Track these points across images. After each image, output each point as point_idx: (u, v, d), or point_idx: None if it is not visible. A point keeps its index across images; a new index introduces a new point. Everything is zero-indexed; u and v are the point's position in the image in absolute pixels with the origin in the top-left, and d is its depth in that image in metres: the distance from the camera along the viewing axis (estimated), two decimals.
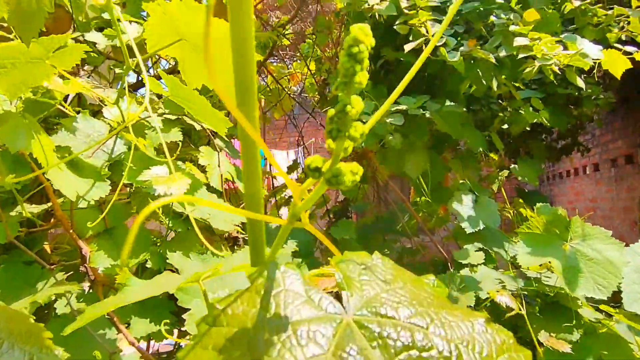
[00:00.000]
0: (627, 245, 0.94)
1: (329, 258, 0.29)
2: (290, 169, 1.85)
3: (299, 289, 0.23)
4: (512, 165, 2.09)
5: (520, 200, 1.69)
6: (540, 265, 1.33)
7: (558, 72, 1.02)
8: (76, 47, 0.60)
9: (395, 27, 1.20)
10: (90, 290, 0.76)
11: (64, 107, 0.76)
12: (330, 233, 1.29)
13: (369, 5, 1.25)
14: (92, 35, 1.05)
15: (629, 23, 1.28)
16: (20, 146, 0.56)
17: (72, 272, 0.78)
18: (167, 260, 0.70)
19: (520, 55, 1.01)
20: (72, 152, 0.67)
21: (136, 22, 1.12)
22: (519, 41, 1.02)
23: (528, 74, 1.01)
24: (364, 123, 0.80)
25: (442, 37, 1.15)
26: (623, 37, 1.43)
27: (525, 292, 1.06)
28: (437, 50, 1.14)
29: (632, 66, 1.32)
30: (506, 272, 1.21)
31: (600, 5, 1.31)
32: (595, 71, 1.70)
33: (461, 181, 1.44)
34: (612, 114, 4.19)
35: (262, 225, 0.27)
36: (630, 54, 1.32)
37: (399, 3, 1.24)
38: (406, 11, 1.19)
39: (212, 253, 0.74)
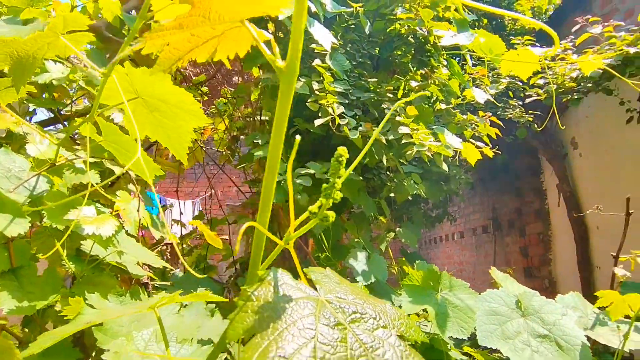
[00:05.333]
0: None
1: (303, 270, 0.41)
2: (197, 218, 1.86)
3: (292, 282, 0.35)
4: (398, 229, 2.40)
5: (404, 259, 1.94)
6: (419, 315, 1.55)
7: (430, 156, 1.32)
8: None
9: (307, 104, 1.41)
10: None
11: None
12: (237, 284, 1.33)
13: None
14: None
15: (477, 126, 1.71)
16: None
17: None
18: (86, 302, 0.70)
19: (403, 141, 1.29)
20: None
21: (60, 62, 1.12)
22: (402, 129, 1.30)
23: (409, 156, 1.29)
24: (279, 183, 0.96)
25: (345, 117, 1.38)
26: (477, 135, 1.88)
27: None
28: (340, 127, 1.36)
29: (481, 157, 1.74)
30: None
31: (458, 110, 1.72)
32: (457, 157, 2.13)
33: (356, 240, 1.64)
34: (472, 190, 5.07)
35: (263, 242, 0.37)
36: (481, 148, 1.75)
37: (311, 84, 1.47)
38: (317, 92, 1.41)
39: (130, 296, 0.75)
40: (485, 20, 3.67)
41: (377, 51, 1.95)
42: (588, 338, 0.92)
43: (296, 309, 0.31)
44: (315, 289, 0.35)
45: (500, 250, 4.51)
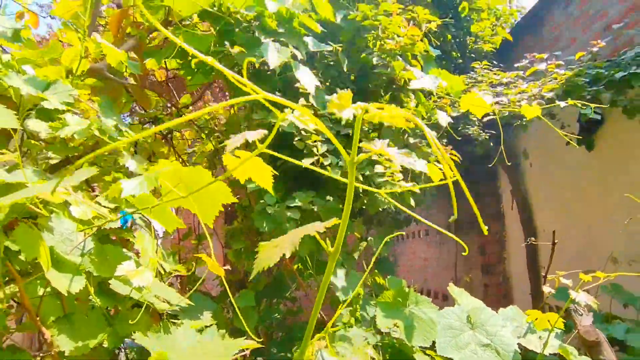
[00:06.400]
0: (445, 297, 1.44)
1: None
2: (186, 235, 2.02)
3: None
4: (370, 238, 2.63)
5: (376, 271, 2.18)
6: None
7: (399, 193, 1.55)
8: (85, 171, 0.79)
9: (294, 142, 1.60)
10: None
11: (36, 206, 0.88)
12: (234, 302, 1.51)
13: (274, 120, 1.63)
14: (35, 124, 1.16)
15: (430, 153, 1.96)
16: (34, 254, 0.71)
17: None
18: (125, 338, 0.87)
19: (378, 180, 1.51)
20: (55, 250, 0.81)
21: (76, 114, 1.26)
22: (377, 168, 1.52)
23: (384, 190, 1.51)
24: (269, 214, 1.19)
25: (327, 156, 1.59)
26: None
27: (381, 344, 1.47)
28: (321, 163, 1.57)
29: (443, 177, 2.00)
30: (368, 330, 1.62)
31: (425, 141, 1.97)
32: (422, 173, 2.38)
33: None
34: (437, 193, 5.42)
35: (324, 293, 0.56)
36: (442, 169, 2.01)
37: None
38: (303, 133, 1.60)
39: (163, 330, 0.93)
40: (450, 37, 3.96)
41: (352, 78, 2.15)
42: (520, 345, 1.18)
43: None
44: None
45: (460, 247, 4.89)
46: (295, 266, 2.00)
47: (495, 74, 3.04)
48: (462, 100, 1.78)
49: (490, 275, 4.35)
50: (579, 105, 1.72)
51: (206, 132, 2.52)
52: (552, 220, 3.54)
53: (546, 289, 1.30)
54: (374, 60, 1.79)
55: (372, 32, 2.04)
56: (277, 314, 1.72)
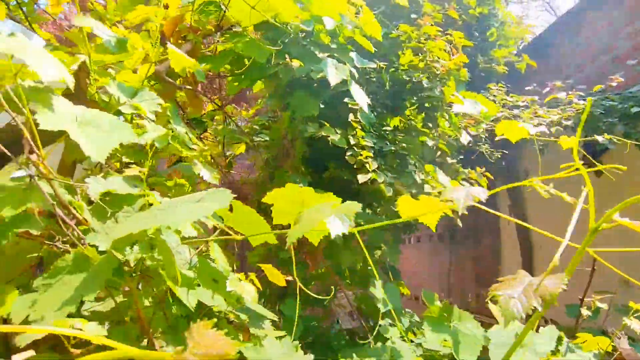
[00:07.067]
0: None
1: None
2: None
3: None
4: (383, 248, 2.71)
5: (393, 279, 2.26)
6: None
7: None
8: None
9: (346, 157, 1.65)
10: None
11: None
12: (281, 310, 1.55)
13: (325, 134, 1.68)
14: None
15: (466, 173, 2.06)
16: (174, 271, 0.74)
17: None
18: None
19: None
20: None
21: (153, 121, 1.27)
22: (427, 188, 1.59)
23: None
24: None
25: (377, 172, 1.65)
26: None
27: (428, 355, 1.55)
28: (375, 181, 1.63)
29: None
30: (408, 339, 1.69)
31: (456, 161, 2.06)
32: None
33: (369, 267, 1.92)
34: None
35: None
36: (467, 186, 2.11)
37: (347, 137, 1.71)
38: (355, 148, 1.65)
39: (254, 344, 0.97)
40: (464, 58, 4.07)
41: (386, 89, 2.21)
42: None
43: None
44: None
45: (454, 257, 5.05)
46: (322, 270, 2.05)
47: (508, 95, 3.17)
48: (499, 127, 1.87)
49: (483, 286, 4.51)
50: (611, 138, 1.84)
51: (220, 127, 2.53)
52: (549, 237, 3.72)
53: (584, 311, 1.40)
54: (424, 84, 1.86)
55: (411, 51, 2.11)
56: (314, 322, 1.77)
